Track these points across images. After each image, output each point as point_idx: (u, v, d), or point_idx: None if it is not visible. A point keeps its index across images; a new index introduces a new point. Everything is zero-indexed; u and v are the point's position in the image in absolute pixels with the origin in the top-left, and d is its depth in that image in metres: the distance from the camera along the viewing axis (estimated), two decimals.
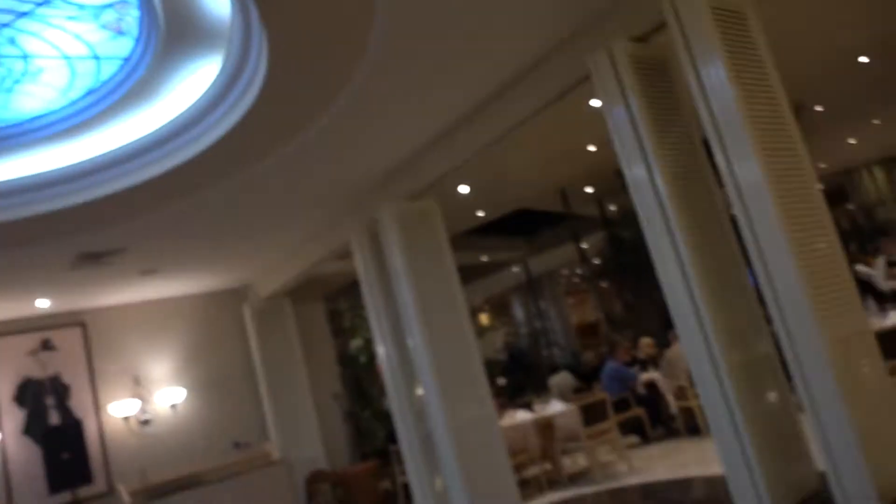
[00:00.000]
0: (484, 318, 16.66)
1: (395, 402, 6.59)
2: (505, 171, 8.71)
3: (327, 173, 6.12)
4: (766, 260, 3.79)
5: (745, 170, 3.81)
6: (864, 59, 8.60)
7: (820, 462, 3.99)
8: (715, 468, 5.21)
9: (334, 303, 10.34)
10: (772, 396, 4.26)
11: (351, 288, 8.54)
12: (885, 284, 7.93)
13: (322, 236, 7.61)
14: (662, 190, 4.21)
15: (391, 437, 7.37)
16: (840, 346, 3.71)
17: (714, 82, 3.88)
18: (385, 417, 8.21)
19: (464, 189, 8.55)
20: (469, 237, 11.08)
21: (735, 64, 3.88)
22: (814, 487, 4.19)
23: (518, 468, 6.68)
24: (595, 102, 5.58)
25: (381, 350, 6.75)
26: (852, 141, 12.94)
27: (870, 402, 3.71)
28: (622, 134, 4.36)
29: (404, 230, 6.25)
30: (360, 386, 9.73)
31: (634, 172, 4.34)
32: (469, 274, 11.28)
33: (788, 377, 4.18)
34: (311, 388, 8.98)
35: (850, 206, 15.07)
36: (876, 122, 11.97)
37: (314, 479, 8.28)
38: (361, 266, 6.82)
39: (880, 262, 8.78)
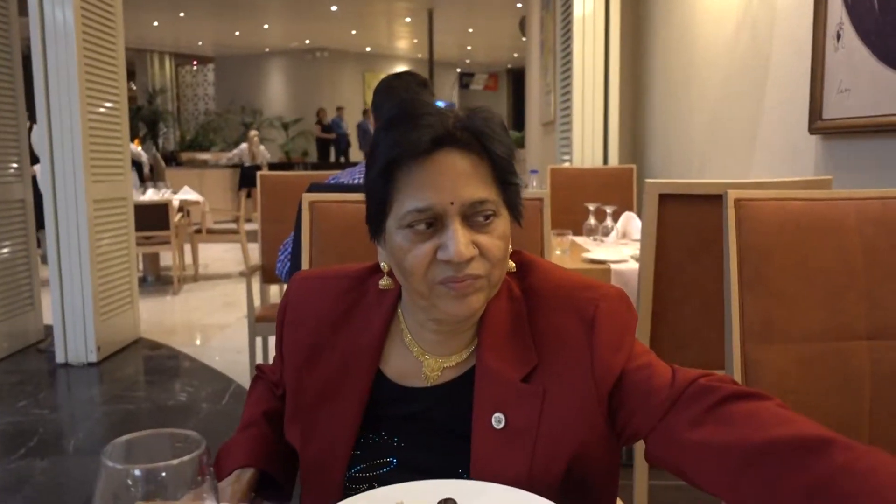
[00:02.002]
0: None
1: None
2: None
3: None
4: (52, 104, 3.62)
5: (58, 7, 3.55)
6: None
7: (48, 316, 4.05)
8: None
9: None
10: (15, 245, 4.08)
11: None
12: (146, 164, 8.53)
13: None
14: None
15: None
16: (99, 208, 3.83)
17: None
18: None
19: None
20: None
21: None
22: (37, 339, 4.22)
23: None
24: None
25: None
26: (156, 24, 13.28)
27: (108, 264, 3.96)
28: None
29: None
30: None
31: None
32: None
33: (39, 227, 4.12)
34: None
35: (133, 86, 15.46)
36: (182, 14, 12.56)
37: None
38: None
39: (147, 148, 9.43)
